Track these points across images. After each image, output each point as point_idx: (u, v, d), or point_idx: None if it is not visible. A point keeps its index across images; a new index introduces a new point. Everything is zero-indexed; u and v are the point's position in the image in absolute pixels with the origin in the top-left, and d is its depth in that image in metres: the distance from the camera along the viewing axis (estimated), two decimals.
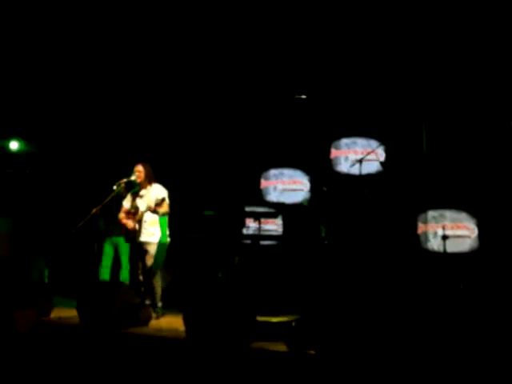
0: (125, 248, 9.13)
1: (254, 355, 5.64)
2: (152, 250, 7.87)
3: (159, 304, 7.87)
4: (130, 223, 7.99)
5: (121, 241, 8.99)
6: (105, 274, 9.05)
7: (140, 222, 7.91)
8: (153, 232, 7.92)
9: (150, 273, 7.86)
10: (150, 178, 8.09)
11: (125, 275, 9.15)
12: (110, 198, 8.38)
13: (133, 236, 7.97)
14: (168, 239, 8.09)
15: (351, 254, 8.02)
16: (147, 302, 7.81)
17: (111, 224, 9.05)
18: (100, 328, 6.70)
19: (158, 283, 7.95)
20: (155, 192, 7.94)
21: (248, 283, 8.29)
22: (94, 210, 8.21)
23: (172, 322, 7.35)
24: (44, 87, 11.20)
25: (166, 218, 8.04)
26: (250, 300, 6.30)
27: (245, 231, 9.63)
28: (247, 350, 5.74)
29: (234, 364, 5.59)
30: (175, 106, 11.06)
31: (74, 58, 10.84)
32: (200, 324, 6.12)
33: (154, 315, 7.71)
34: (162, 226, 8.00)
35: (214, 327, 5.98)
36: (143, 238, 7.91)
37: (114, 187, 8.36)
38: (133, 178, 8.21)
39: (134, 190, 8.19)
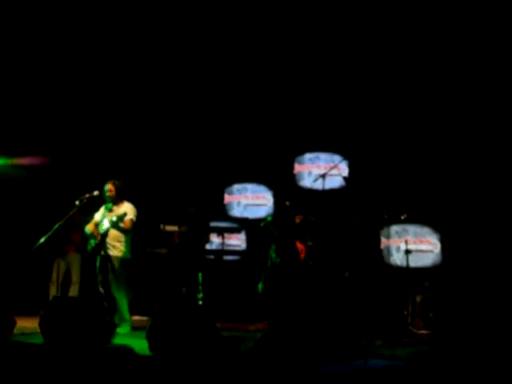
0: (76, 265, 9.06)
1: (219, 371, 5.60)
2: (113, 263, 7.98)
3: (127, 316, 7.93)
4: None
5: (72, 257, 8.94)
6: (54, 290, 8.90)
7: (104, 236, 8.01)
8: (115, 246, 8.02)
9: (111, 286, 7.94)
10: (122, 195, 8.23)
11: (74, 291, 9.05)
12: (72, 212, 8.28)
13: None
14: (129, 255, 8.15)
15: (316, 269, 8.05)
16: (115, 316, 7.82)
17: (64, 240, 8.96)
18: (63, 344, 6.59)
19: (123, 296, 7.98)
20: (124, 209, 8.06)
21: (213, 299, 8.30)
22: (56, 225, 8.11)
23: (136, 338, 7.27)
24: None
25: (130, 235, 8.12)
26: (214, 316, 6.30)
27: (208, 246, 9.61)
28: (210, 365, 5.69)
29: (198, 380, 5.55)
30: (137, 120, 11.00)
31: (47, 71, 10.71)
32: (164, 340, 6.07)
33: (121, 329, 7.74)
34: (125, 242, 8.05)
35: (179, 343, 5.94)
36: (107, 251, 8.02)
37: (77, 202, 8.29)
38: (95, 193, 8.21)
39: (108, 205, 8.25)
